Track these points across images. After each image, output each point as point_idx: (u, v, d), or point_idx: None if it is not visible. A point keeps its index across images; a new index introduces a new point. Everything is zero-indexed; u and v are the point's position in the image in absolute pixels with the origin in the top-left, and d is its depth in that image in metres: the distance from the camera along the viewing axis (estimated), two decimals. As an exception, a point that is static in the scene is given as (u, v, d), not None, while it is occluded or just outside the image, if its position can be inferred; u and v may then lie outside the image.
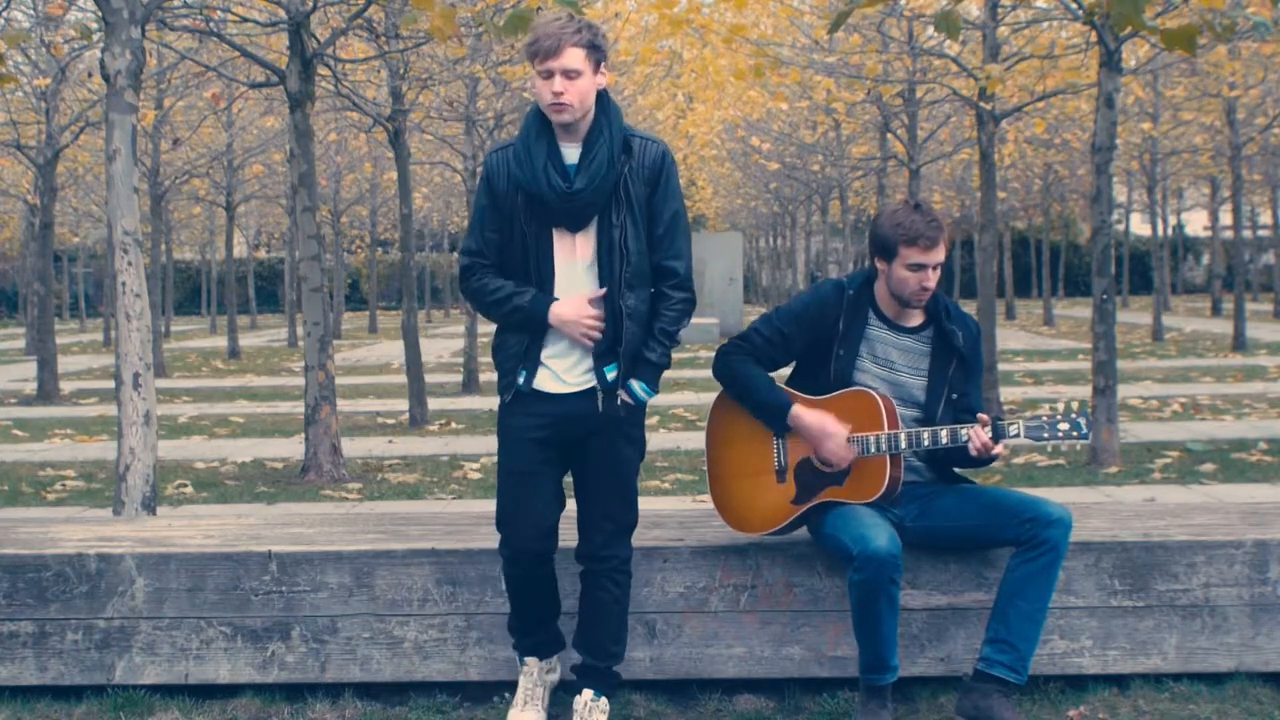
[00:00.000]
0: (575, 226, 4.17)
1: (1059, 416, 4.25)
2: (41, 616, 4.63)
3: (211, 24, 9.67)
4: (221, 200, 23.50)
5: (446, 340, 27.63)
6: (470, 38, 11.79)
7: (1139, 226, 49.75)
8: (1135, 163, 25.43)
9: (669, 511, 5.31)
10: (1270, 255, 44.28)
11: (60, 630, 4.63)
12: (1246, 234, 34.36)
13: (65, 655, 4.63)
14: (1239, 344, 20.19)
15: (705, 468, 4.68)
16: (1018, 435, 4.25)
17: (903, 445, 4.29)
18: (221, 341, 27.44)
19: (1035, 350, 21.47)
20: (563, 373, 4.21)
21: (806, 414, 4.34)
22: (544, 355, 4.21)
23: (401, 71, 12.55)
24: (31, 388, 16.54)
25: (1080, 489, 8.46)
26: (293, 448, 10.94)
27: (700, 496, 8.04)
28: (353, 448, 10.65)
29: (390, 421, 12.90)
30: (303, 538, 4.83)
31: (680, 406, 13.50)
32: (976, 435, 4.23)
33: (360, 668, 4.63)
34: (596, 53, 4.09)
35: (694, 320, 23.34)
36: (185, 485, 9.21)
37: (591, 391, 4.19)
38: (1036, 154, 25.24)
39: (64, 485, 9.29)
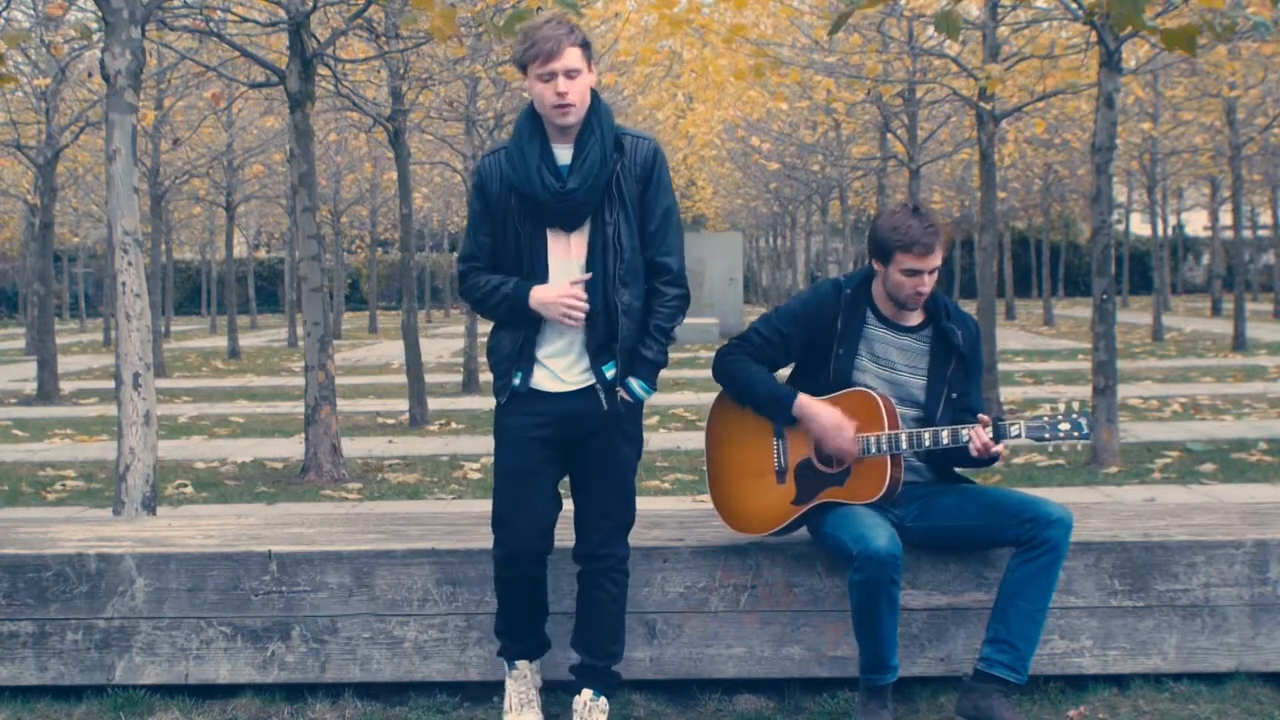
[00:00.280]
0: (570, 226, 4.17)
1: (1060, 416, 4.26)
2: (41, 616, 4.63)
3: (211, 24, 9.67)
4: (221, 200, 23.50)
5: (446, 340, 27.62)
6: (470, 38, 11.78)
7: (1139, 226, 49.74)
8: (1135, 163, 25.42)
9: (669, 511, 5.31)
10: (1270, 255, 44.28)
11: (60, 630, 4.63)
12: (1246, 234, 34.35)
13: (65, 655, 4.63)
14: (1239, 344, 20.18)
15: (705, 468, 4.68)
16: (1019, 435, 4.26)
17: (903, 445, 4.29)
18: (221, 341, 27.44)
19: (1035, 350, 21.46)
20: (561, 371, 4.20)
21: (816, 405, 4.34)
22: (540, 354, 4.20)
23: (401, 71, 12.54)
24: (31, 388, 16.53)
25: (1080, 489, 8.46)
26: (293, 448, 10.95)
27: (700, 496, 8.04)
28: (353, 448, 10.65)
29: (390, 421, 12.90)
30: (303, 538, 4.83)
31: (680, 406, 13.50)
32: (978, 435, 4.23)
33: (360, 668, 4.62)
34: (589, 50, 4.12)
35: (694, 320, 23.59)
36: (185, 485, 9.21)
37: (590, 390, 4.18)
38: (1036, 154, 25.22)
39: (64, 485, 9.29)
